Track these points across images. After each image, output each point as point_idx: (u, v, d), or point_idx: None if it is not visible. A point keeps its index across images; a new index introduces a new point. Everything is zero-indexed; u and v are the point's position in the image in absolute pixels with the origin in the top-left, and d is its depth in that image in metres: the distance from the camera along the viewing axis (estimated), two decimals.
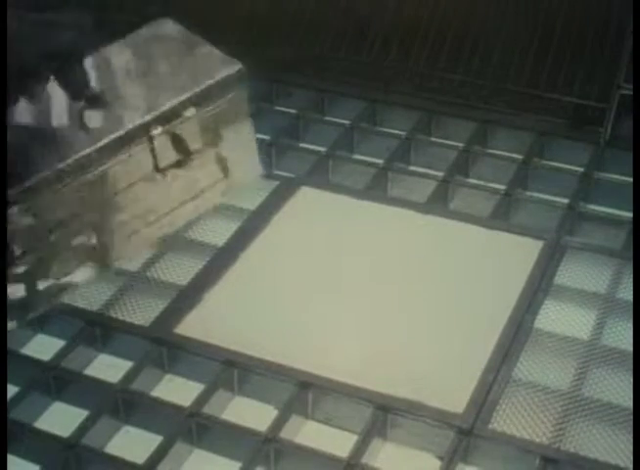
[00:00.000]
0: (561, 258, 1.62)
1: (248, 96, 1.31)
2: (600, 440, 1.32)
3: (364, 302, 1.52)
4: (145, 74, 1.22)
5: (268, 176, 1.79)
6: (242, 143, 1.41)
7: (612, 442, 1.32)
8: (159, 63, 1.23)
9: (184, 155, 1.30)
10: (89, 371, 1.49)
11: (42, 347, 1.52)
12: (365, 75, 2.05)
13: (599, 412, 1.36)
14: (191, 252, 1.68)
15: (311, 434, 1.36)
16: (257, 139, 1.51)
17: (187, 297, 1.58)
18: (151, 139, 1.18)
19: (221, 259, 1.66)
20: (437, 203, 1.76)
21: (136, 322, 1.53)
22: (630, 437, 1.30)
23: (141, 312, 1.56)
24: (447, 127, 1.95)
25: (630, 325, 1.48)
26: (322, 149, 1.88)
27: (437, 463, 1.30)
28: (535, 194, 1.81)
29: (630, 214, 1.68)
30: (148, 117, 1.15)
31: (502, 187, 1.79)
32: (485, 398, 1.35)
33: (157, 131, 1.19)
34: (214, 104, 1.25)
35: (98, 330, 1.53)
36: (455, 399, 1.35)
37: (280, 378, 1.39)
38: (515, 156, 1.87)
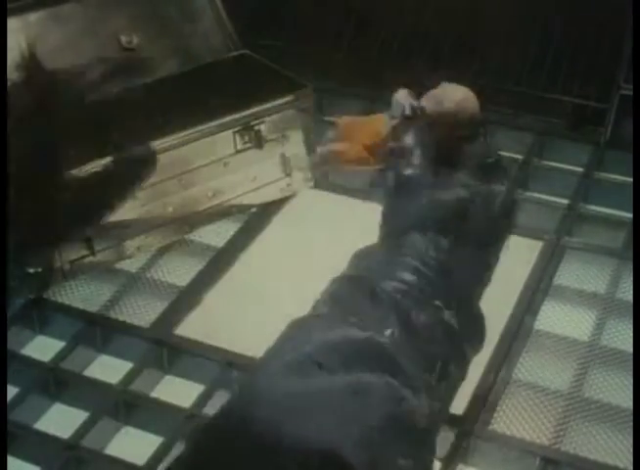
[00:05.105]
0: (560, 258, 1.62)
1: (312, 111, 1.58)
2: (600, 440, 1.32)
3: None
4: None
5: None
6: (301, 151, 1.66)
7: (611, 442, 1.31)
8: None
9: (258, 143, 1.61)
10: (89, 372, 1.48)
11: (42, 347, 1.51)
12: (365, 75, 2.05)
13: (599, 413, 1.35)
14: (191, 252, 1.67)
15: None
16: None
17: (187, 298, 1.58)
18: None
19: (221, 260, 1.66)
20: None
21: (136, 323, 1.53)
22: (630, 437, 1.30)
23: (141, 313, 1.56)
24: None
25: (630, 325, 1.48)
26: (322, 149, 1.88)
27: (437, 463, 1.29)
28: (535, 194, 1.81)
29: (630, 214, 1.67)
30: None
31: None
32: (486, 398, 1.35)
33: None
34: (282, 112, 1.56)
35: (98, 331, 1.52)
36: (455, 399, 1.34)
37: None
38: (515, 156, 1.87)
